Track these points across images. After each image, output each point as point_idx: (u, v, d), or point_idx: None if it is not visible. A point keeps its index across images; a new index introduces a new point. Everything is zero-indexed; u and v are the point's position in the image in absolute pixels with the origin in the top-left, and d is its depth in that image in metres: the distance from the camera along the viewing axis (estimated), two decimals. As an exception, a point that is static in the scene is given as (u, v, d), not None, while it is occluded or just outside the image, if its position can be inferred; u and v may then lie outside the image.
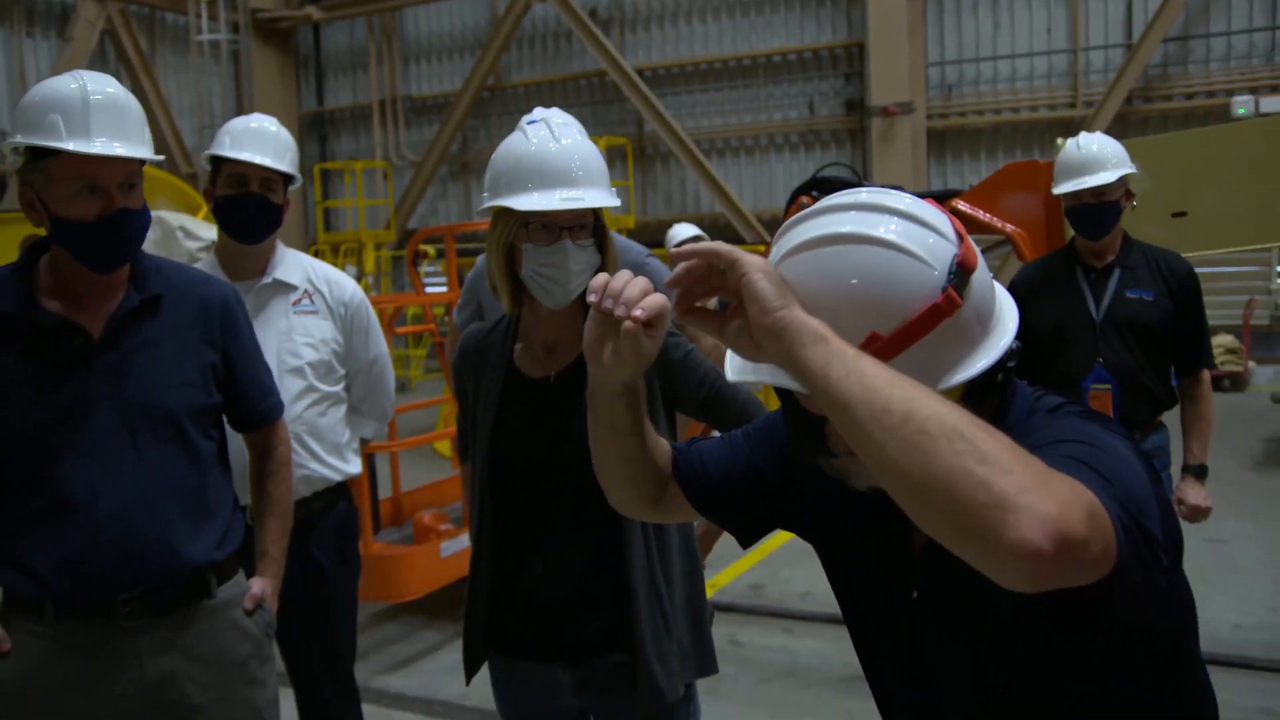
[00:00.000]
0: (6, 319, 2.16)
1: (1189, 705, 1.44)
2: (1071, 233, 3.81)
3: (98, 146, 2.08)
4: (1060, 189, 3.67)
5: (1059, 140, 3.92)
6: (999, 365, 1.32)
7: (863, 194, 1.34)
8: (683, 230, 8.06)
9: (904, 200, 1.32)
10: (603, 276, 1.32)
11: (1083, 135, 3.72)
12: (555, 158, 2.16)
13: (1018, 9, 13.85)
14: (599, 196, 2.16)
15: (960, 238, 1.30)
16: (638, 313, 1.28)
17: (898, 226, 1.27)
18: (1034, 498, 0.99)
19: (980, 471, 1.00)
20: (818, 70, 14.96)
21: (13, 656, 2.18)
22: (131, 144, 2.14)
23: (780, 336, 1.16)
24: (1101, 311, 3.64)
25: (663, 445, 1.64)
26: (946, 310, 1.24)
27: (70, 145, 2.07)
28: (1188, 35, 13.12)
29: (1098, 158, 3.61)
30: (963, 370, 1.28)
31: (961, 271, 1.27)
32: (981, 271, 1.31)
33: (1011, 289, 3.76)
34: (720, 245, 1.25)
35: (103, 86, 2.17)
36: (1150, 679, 1.38)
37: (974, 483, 1.00)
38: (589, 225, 2.19)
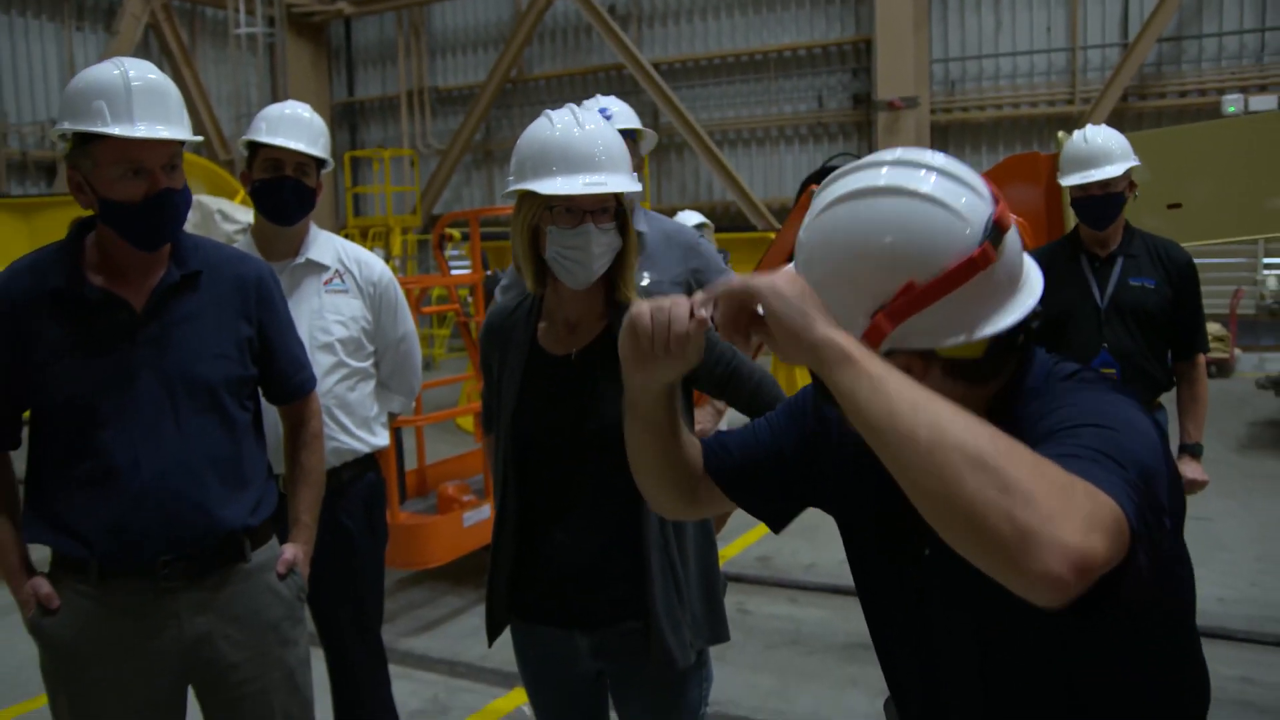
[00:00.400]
0: (55, 293, 2.16)
1: (1190, 691, 1.41)
2: (1073, 221, 3.78)
3: (141, 130, 2.07)
4: (1068, 180, 3.62)
5: (1060, 134, 3.89)
6: (1023, 325, 1.29)
7: (899, 151, 1.32)
8: (688, 217, 8.00)
9: (939, 158, 1.30)
10: (643, 316, 1.33)
11: (1089, 128, 3.68)
12: (579, 143, 2.14)
13: (1019, 8, 13.74)
14: (621, 181, 2.14)
15: (995, 198, 1.28)
16: (702, 313, 1.28)
17: (936, 180, 1.26)
18: (1056, 528, 0.97)
19: (1004, 503, 0.98)
20: (826, 65, 14.87)
21: (62, 614, 2.21)
22: (173, 126, 2.13)
23: (809, 360, 1.15)
24: (1106, 298, 3.61)
25: (694, 442, 1.62)
26: (981, 264, 1.22)
27: (115, 130, 2.06)
28: (1181, 36, 13.01)
29: (1104, 150, 3.57)
30: (991, 324, 1.25)
31: (997, 229, 1.25)
32: (1013, 232, 1.29)
33: None
34: (733, 285, 1.22)
35: (144, 73, 2.16)
36: (1154, 664, 1.36)
37: (1000, 515, 0.98)
38: (610, 209, 2.17)
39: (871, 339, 1.24)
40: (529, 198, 2.15)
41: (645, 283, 2.90)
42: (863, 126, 14.59)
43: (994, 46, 13.90)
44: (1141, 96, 13.17)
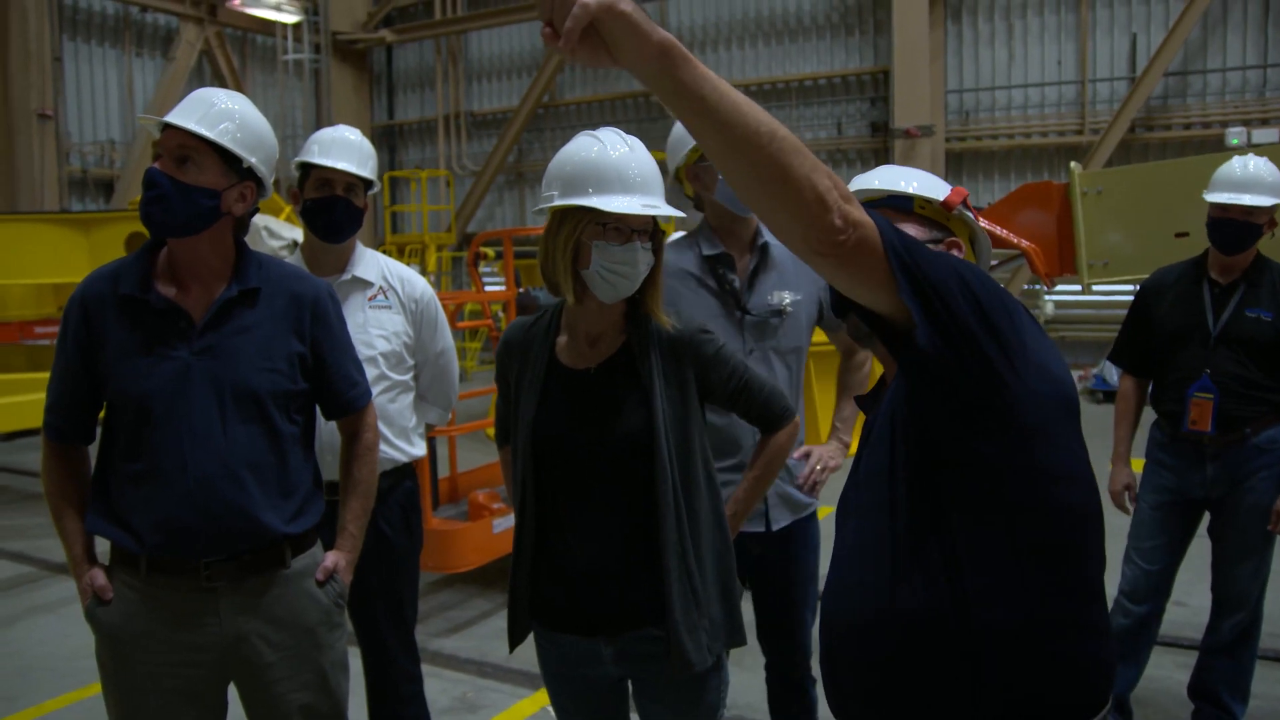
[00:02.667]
0: (125, 299, 2.23)
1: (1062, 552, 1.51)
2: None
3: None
4: (1213, 197, 3.47)
5: (1073, 165, 3.86)
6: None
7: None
8: None
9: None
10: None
11: (1251, 156, 3.53)
12: (632, 164, 2.16)
13: (1031, 42, 13.70)
14: (669, 208, 2.21)
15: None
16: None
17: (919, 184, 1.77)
18: (838, 195, 1.29)
19: (813, 178, 1.27)
20: (845, 94, 14.87)
21: (114, 604, 2.26)
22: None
23: (656, 57, 1.23)
24: (1218, 326, 3.51)
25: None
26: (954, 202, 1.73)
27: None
28: (1186, 71, 12.93)
29: (1257, 179, 3.44)
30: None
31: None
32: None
33: (1140, 291, 3.73)
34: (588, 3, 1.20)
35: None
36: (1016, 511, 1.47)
37: (809, 186, 1.27)
38: (649, 230, 2.20)
39: (953, 199, 1.74)
40: (576, 213, 2.14)
41: (787, 303, 2.87)
42: (880, 153, 14.56)
43: (1007, 78, 13.86)
44: (1148, 128, 13.09)
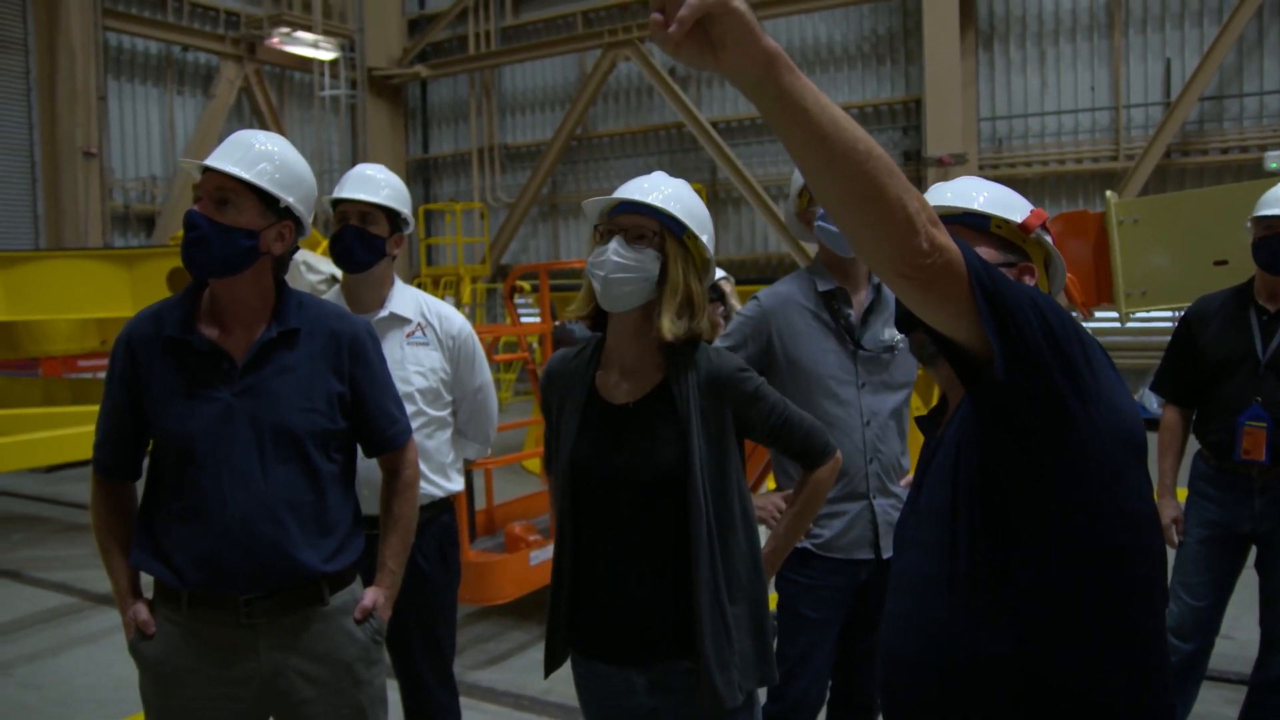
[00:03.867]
0: (169, 340, 2.27)
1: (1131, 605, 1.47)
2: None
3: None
4: (1262, 212, 3.42)
5: (1109, 194, 3.83)
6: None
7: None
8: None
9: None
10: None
11: None
12: (651, 177, 2.29)
13: (1064, 69, 13.65)
14: (664, 207, 2.22)
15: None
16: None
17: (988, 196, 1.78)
18: (927, 219, 1.31)
19: (905, 199, 1.28)
20: (878, 123, 14.87)
21: (156, 638, 2.29)
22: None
23: (762, 63, 1.21)
24: (1268, 353, 3.45)
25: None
26: (1034, 224, 1.72)
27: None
28: (1222, 95, 12.82)
29: None
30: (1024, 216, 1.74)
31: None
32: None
33: (1183, 319, 3.67)
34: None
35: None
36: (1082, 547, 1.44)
37: (900, 206, 1.28)
38: (649, 236, 2.22)
39: (1032, 221, 1.72)
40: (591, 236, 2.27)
41: (898, 339, 2.92)
42: (913, 182, 14.41)
43: (1039, 105, 13.80)
44: (1184, 153, 12.98)
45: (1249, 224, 3.49)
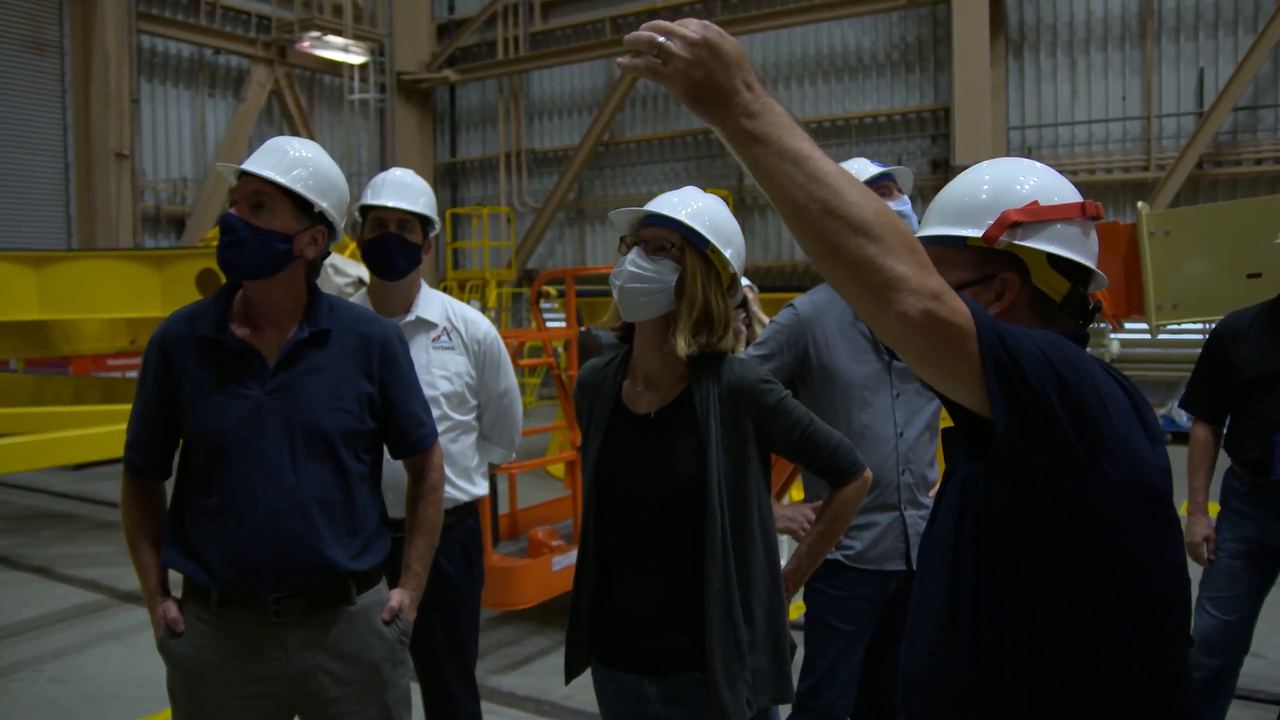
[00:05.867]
0: (203, 339, 2.30)
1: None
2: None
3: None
4: None
5: (1140, 205, 3.80)
6: (1091, 304, 1.59)
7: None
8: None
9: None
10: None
11: None
12: (677, 193, 2.29)
13: (1094, 78, 13.56)
14: (685, 220, 2.21)
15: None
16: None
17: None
18: (917, 287, 1.22)
19: (883, 258, 1.22)
20: (906, 131, 14.83)
21: (185, 636, 2.31)
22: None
23: (729, 134, 1.31)
24: None
25: None
26: (1090, 211, 1.55)
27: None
28: (1257, 105, 12.68)
29: None
30: (1085, 259, 1.54)
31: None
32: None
33: (1214, 335, 3.62)
34: (691, 35, 1.32)
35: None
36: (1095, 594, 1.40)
37: (877, 266, 1.22)
38: (668, 248, 2.23)
39: (993, 232, 1.51)
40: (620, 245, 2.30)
41: None
42: (940, 191, 14.46)
43: (1070, 114, 13.72)
44: (1217, 164, 12.85)
45: None
